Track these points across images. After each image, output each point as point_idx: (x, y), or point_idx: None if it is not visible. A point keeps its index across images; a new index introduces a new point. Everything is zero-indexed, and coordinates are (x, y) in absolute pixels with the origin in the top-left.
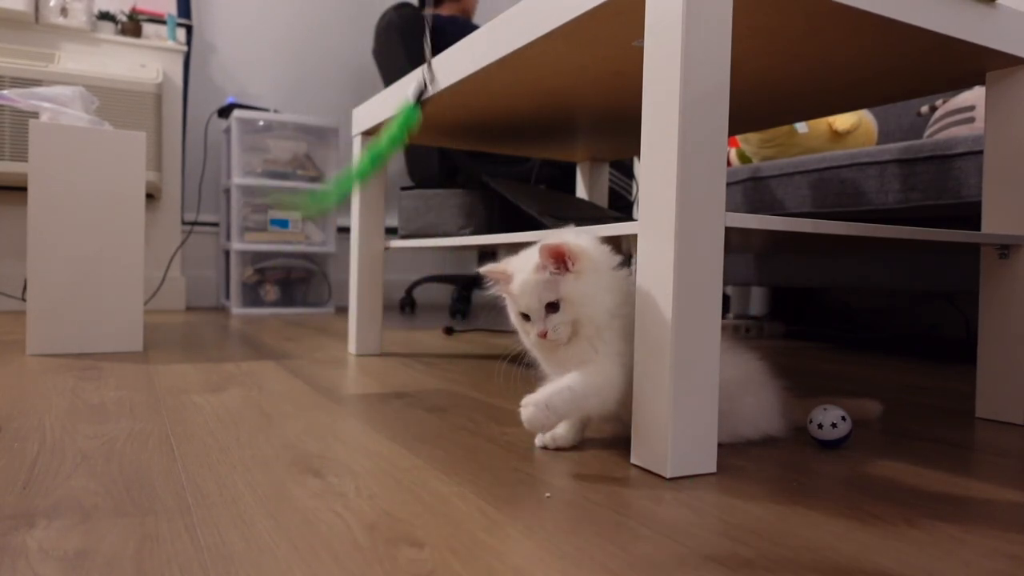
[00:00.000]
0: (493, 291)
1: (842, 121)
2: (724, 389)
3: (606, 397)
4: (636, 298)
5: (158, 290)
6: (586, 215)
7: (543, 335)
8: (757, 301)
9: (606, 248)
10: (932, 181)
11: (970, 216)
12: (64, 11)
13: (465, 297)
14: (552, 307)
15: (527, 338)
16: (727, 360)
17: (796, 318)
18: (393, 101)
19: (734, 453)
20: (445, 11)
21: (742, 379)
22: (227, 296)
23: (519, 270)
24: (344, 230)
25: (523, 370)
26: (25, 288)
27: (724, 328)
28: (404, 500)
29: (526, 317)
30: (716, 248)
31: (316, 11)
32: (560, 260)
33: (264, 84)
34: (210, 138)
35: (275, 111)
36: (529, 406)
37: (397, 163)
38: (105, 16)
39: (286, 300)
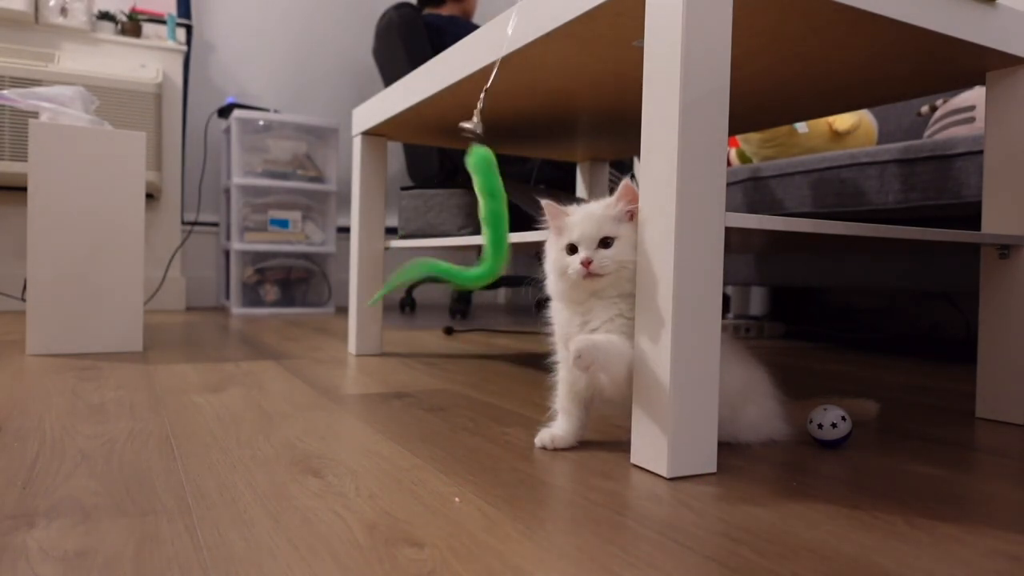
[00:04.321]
0: (547, 238)
1: (842, 121)
2: (726, 397)
3: (628, 369)
4: (636, 298)
5: (158, 290)
6: None
7: (587, 263)
8: (757, 301)
9: None
10: (932, 181)
11: (970, 216)
12: (64, 11)
13: (465, 297)
14: (604, 243)
15: (561, 277)
16: (730, 367)
17: (796, 318)
18: (393, 101)
19: (734, 453)
20: (445, 11)
21: (744, 387)
22: (227, 296)
23: (579, 208)
24: (344, 230)
25: (527, 372)
26: (25, 288)
27: (724, 328)
28: (404, 500)
29: (571, 250)
30: (716, 248)
31: (316, 11)
32: (633, 202)
33: (264, 84)
34: (210, 138)
35: (275, 111)
36: (581, 342)
37: (397, 163)
38: (105, 16)
39: (286, 300)
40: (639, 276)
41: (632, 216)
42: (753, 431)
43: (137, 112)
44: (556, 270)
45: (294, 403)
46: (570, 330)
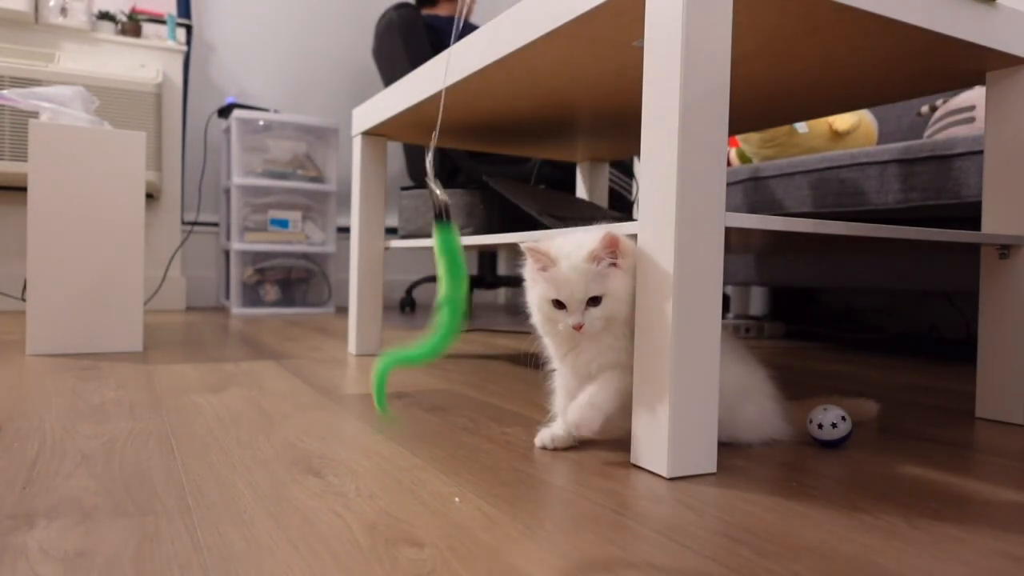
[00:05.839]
0: (524, 271)
1: (842, 121)
2: (726, 396)
3: (623, 401)
4: (636, 298)
5: (158, 290)
6: (586, 215)
7: (579, 328)
8: (757, 301)
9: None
10: (932, 181)
11: (970, 216)
12: (64, 11)
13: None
14: (593, 300)
15: (551, 326)
16: (730, 367)
17: (796, 318)
18: (393, 101)
19: (734, 453)
20: (442, 11)
21: (744, 387)
22: (227, 296)
23: (564, 256)
24: (344, 230)
25: (527, 372)
26: (25, 288)
27: (724, 328)
28: (404, 500)
29: (557, 305)
30: (716, 248)
31: (316, 11)
32: (615, 251)
33: (264, 84)
34: (210, 138)
35: (275, 111)
36: (576, 409)
37: (397, 163)
38: (105, 16)
39: (286, 300)
40: (640, 276)
41: (614, 264)
42: (753, 431)
43: (137, 112)
44: (544, 318)
45: (294, 403)
46: (563, 351)
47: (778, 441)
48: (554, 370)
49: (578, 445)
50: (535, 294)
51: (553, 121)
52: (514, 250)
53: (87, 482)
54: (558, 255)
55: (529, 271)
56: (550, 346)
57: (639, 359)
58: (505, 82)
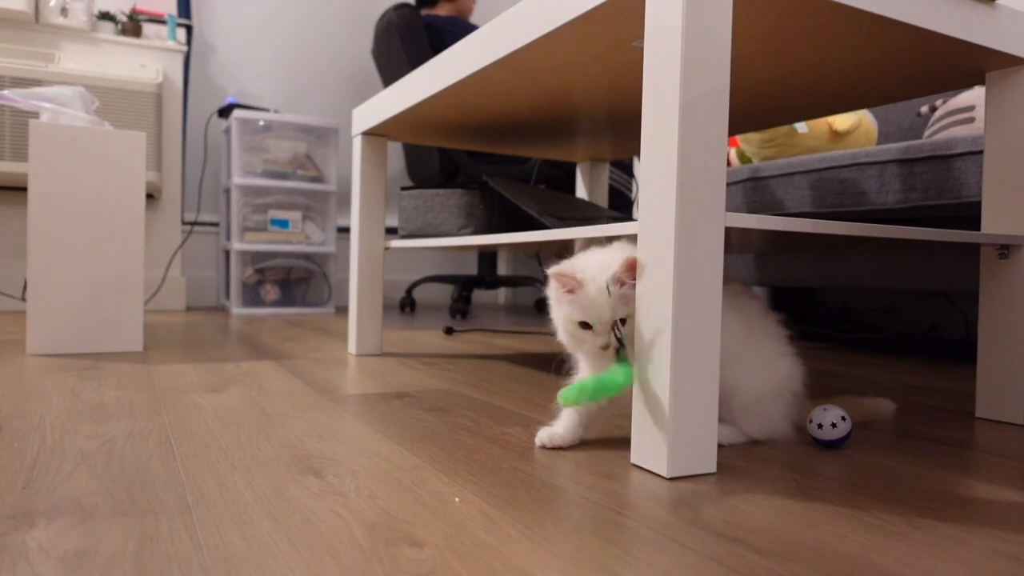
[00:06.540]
0: (549, 292)
1: (842, 121)
2: (767, 390)
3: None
4: (636, 298)
5: (158, 290)
6: (586, 215)
7: (607, 348)
8: None
9: None
10: (932, 181)
11: (970, 216)
12: (64, 11)
13: (465, 297)
14: (619, 321)
15: (579, 345)
16: (786, 360)
17: (796, 318)
18: (393, 101)
19: (734, 453)
20: (442, 11)
21: (782, 383)
22: (227, 296)
23: (590, 279)
24: (344, 230)
25: (527, 372)
26: (25, 288)
27: (777, 319)
28: (404, 500)
29: (584, 326)
30: (716, 248)
31: (316, 11)
32: (634, 273)
33: (264, 84)
34: (210, 138)
35: (275, 111)
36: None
37: (397, 163)
38: (105, 16)
39: (286, 300)
40: (640, 277)
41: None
42: (763, 427)
43: (137, 112)
44: (571, 337)
45: (294, 403)
46: (605, 359)
47: (778, 441)
48: (573, 365)
49: (578, 445)
50: (561, 314)
51: (553, 121)
52: (513, 250)
53: (87, 482)
54: (584, 278)
55: (553, 292)
56: (583, 357)
57: (639, 359)
58: (505, 82)
